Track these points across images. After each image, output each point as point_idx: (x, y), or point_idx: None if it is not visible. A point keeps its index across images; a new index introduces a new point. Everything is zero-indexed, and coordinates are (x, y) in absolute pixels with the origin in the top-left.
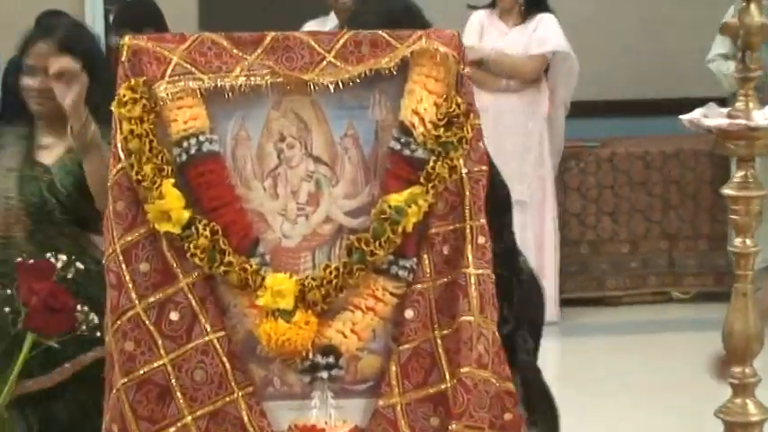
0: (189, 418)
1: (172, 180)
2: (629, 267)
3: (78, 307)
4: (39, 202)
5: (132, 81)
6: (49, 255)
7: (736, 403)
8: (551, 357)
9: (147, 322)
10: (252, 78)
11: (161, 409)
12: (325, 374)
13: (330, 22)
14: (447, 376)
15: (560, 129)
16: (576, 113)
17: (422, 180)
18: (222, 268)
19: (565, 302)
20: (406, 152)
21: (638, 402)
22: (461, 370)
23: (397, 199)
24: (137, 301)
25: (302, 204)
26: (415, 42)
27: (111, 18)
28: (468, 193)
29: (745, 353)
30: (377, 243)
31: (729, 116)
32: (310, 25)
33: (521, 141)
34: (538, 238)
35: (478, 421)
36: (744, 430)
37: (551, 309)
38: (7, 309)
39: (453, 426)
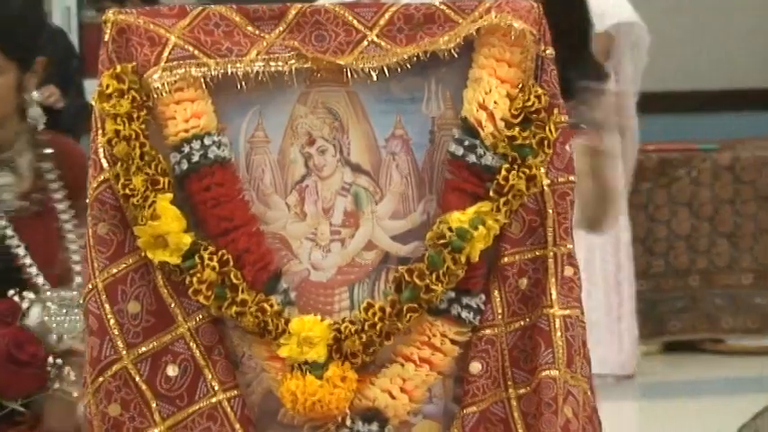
0: None
1: (169, 195)
2: (751, 304)
3: (50, 359)
4: None
5: (118, 68)
6: (12, 292)
7: None
8: (639, 419)
9: (138, 379)
10: (272, 63)
11: None
12: None
13: None
14: None
15: (630, 121)
16: (688, 108)
17: (491, 194)
18: (234, 309)
19: (669, 347)
20: (471, 158)
21: None
22: None
23: (459, 219)
24: (124, 352)
25: (337, 226)
26: (483, 16)
27: None
28: (551, 211)
29: None
30: (434, 276)
31: None
32: None
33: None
34: (611, 266)
35: None
36: None
37: (627, 359)
38: None
39: None
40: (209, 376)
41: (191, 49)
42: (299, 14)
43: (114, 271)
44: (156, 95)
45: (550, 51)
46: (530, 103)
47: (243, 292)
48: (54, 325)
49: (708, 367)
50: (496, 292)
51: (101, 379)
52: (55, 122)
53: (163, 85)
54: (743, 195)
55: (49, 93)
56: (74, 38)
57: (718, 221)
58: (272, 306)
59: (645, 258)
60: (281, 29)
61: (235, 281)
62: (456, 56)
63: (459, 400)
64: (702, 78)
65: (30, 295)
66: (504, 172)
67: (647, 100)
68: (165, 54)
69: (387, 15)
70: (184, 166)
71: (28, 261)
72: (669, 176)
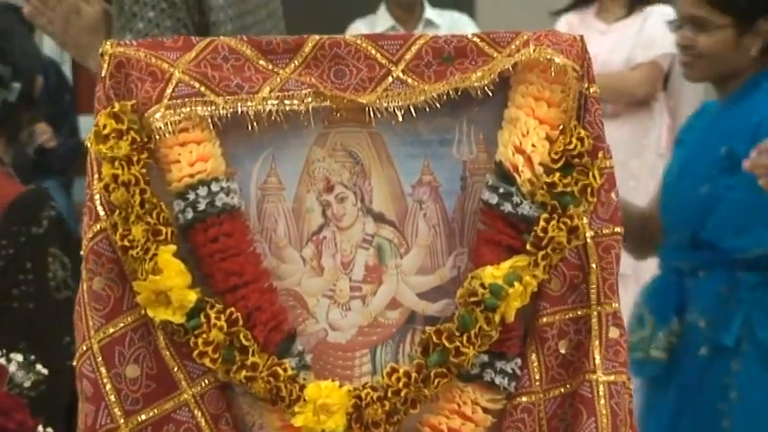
0: None
1: (172, 247)
2: None
3: (40, 428)
4: None
5: (116, 106)
6: None
7: None
8: None
9: None
10: (286, 102)
11: None
12: None
13: (381, 23)
14: None
15: None
16: None
17: (528, 247)
18: (243, 373)
19: None
20: (507, 207)
21: None
22: None
23: (493, 274)
24: (122, 421)
25: (358, 282)
26: (520, 50)
27: None
28: (594, 266)
29: None
30: (464, 337)
31: None
32: (357, 27)
33: (623, 188)
34: None
35: None
36: None
37: None
38: None
39: None
40: None
41: (197, 85)
42: (316, 47)
43: (111, 331)
44: (158, 137)
45: (594, 89)
46: (571, 147)
47: (253, 354)
48: None
49: None
50: (534, 356)
51: None
52: (46, 163)
53: (166, 125)
54: None
55: (40, 131)
56: (66, 70)
57: None
58: (285, 370)
59: None
60: (297, 63)
61: (244, 342)
62: (490, 94)
63: None
64: None
65: (17, 357)
66: (542, 223)
67: None
68: (169, 91)
69: (414, 49)
70: (189, 214)
71: None
72: None
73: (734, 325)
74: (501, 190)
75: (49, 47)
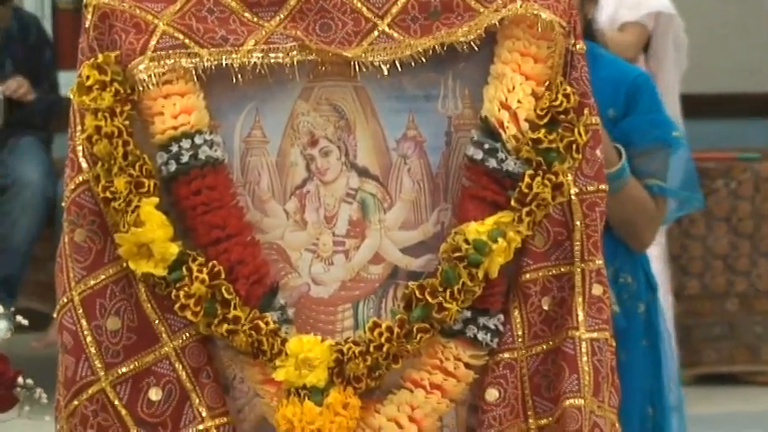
0: None
1: (155, 199)
2: None
3: (20, 379)
4: None
5: (100, 57)
6: None
7: None
8: None
9: (117, 402)
10: (271, 55)
11: None
12: None
13: None
14: None
15: None
16: (726, 113)
17: (513, 203)
18: (225, 327)
19: (701, 380)
20: (491, 163)
21: None
22: None
23: (477, 230)
24: (102, 373)
25: (341, 236)
26: (507, 5)
27: None
28: (578, 223)
29: None
30: (447, 293)
31: None
32: None
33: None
34: None
35: None
36: None
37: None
38: None
39: None
40: (197, 401)
41: (181, 37)
42: (302, 0)
43: (92, 283)
44: (141, 88)
45: (581, 46)
46: (557, 103)
47: (235, 308)
48: None
49: (747, 401)
50: (517, 312)
51: (75, 402)
52: (24, 118)
53: (149, 76)
54: None
55: (17, 84)
56: (47, 25)
57: (759, 239)
58: (267, 324)
59: (678, 279)
60: (282, 16)
61: (226, 296)
62: (476, 49)
63: (474, 430)
64: (745, 82)
65: None
66: (527, 179)
67: (680, 103)
68: (153, 42)
69: (400, 3)
70: (172, 167)
71: None
72: (706, 188)
73: (639, 274)
74: (486, 146)
75: (30, 2)
